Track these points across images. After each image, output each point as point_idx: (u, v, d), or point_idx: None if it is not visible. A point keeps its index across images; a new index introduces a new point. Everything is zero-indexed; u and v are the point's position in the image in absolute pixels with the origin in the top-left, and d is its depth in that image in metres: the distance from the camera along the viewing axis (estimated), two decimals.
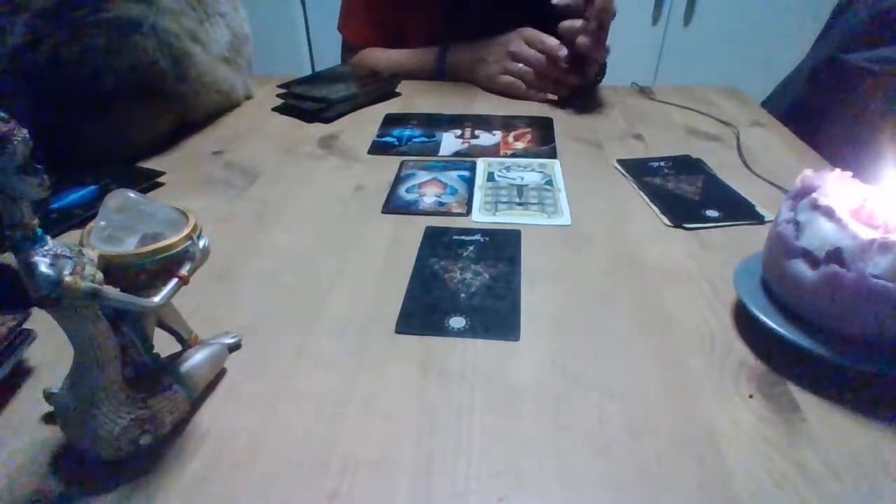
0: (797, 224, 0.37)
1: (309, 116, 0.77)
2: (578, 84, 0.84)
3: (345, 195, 0.58)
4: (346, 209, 0.55)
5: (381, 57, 0.98)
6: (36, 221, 0.24)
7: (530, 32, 0.84)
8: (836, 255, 0.34)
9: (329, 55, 1.60)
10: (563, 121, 0.77)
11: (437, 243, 0.49)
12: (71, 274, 0.24)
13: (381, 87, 0.85)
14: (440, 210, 0.55)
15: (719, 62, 1.87)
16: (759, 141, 0.71)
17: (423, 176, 0.62)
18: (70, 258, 0.24)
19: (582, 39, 0.77)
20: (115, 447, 0.28)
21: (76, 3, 0.59)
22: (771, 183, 0.59)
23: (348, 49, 1.05)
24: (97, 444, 0.28)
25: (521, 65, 0.84)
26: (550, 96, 0.85)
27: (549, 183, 0.60)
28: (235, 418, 0.33)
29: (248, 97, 0.85)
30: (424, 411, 0.33)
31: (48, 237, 0.24)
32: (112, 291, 0.25)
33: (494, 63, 0.87)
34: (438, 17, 0.94)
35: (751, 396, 0.34)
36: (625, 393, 0.34)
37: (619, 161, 0.64)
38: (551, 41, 0.82)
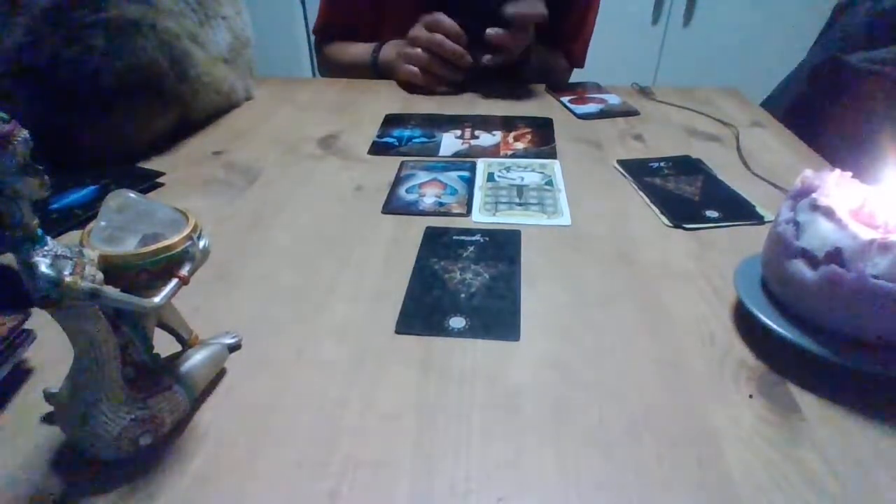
0: (797, 224, 0.37)
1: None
2: (466, 67, 0.83)
3: (345, 195, 0.58)
4: (346, 209, 0.55)
5: (341, 53, 0.99)
6: (36, 221, 0.24)
7: (431, 17, 0.82)
8: (835, 256, 0.34)
9: None
10: (562, 121, 0.77)
11: (437, 243, 0.49)
12: (71, 274, 0.24)
13: None
14: (440, 210, 0.55)
15: (719, 62, 1.87)
16: (759, 141, 0.71)
17: (423, 176, 0.62)
18: (70, 258, 0.24)
19: (491, 31, 0.78)
20: (115, 447, 0.28)
21: (76, 3, 0.59)
22: (771, 183, 0.59)
23: (318, 51, 1.06)
24: (97, 444, 0.28)
25: (418, 50, 0.83)
26: (443, 88, 0.84)
27: (549, 183, 0.60)
28: (235, 418, 0.33)
29: (249, 98, 0.85)
30: (424, 411, 0.33)
31: (48, 237, 0.24)
32: (112, 291, 0.25)
33: (398, 55, 0.85)
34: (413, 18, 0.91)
35: (751, 396, 0.34)
36: (625, 393, 0.34)
37: (619, 161, 0.64)
38: (449, 22, 0.80)
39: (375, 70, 0.92)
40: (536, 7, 0.80)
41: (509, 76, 0.90)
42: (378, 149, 0.69)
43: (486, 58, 0.82)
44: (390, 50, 0.89)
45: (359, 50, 0.95)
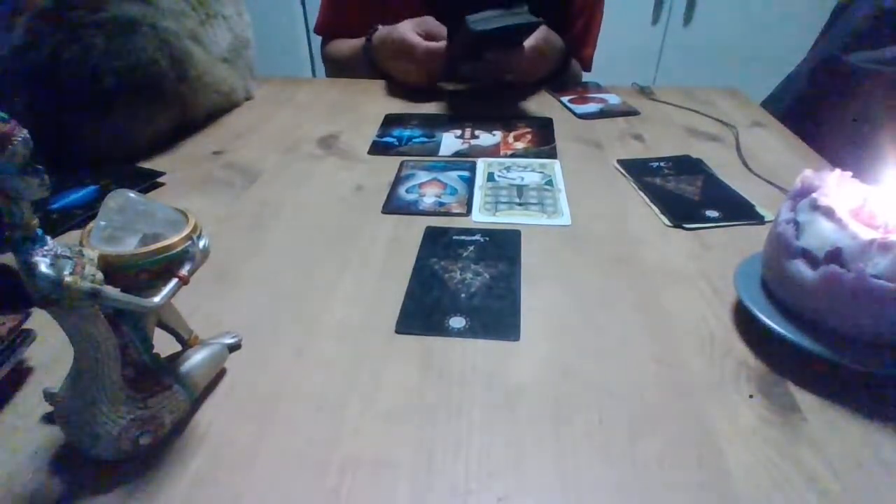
0: (797, 224, 0.37)
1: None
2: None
3: (345, 195, 0.58)
4: (346, 209, 0.55)
5: (341, 46, 0.99)
6: (36, 221, 0.24)
7: (421, 20, 0.83)
8: (836, 255, 0.34)
9: None
10: (563, 121, 0.77)
11: (437, 243, 0.49)
12: (71, 274, 0.24)
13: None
14: (440, 210, 0.55)
15: (719, 62, 1.87)
16: (759, 141, 0.71)
17: (423, 176, 0.62)
18: (70, 258, 0.24)
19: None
20: (115, 447, 0.28)
21: (76, 3, 0.59)
22: (771, 183, 0.59)
23: (322, 51, 1.06)
24: (97, 444, 0.28)
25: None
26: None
27: (549, 183, 0.60)
28: (235, 418, 0.33)
29: (249, 98, 0.85)
30: (424, 411, 0.33)
31: (48, 237, 0.24)
32: (112, 291, 0.25)
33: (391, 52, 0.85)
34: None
35: (751, 396, 0.34)
36: (625, 393, 0.34)
37: (619, 161, 0.64)
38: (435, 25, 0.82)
39: (370, 62, 0.91)
40: (514, 57, 0.82)
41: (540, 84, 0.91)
42: (378, 149, 0.69)
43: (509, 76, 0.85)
44: (380, 44, 0.88)
45: (354, 43, 0.95)
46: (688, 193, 0.58)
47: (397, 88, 0.88)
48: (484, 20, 0.71)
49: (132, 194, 0.30)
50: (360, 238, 0.50)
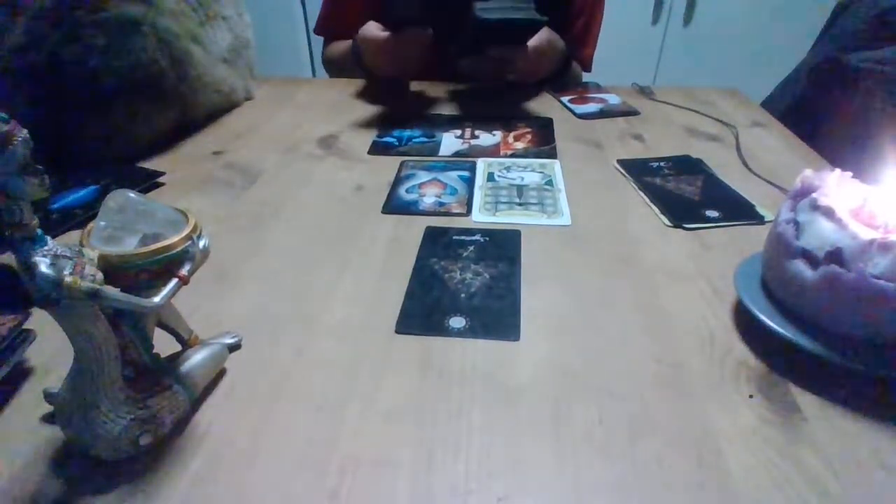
0: (797, 224, 0.37)
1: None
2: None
3: (345, 195, 0.58)
4: (346, 209, 0.55)
5: (338, 49, 0.99)
6: (36, 221, 0.24)
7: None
8: (836, 255, 0.34)
9: None
10: (563, 121, 0.77)
11: (437, 243, 0.49)
12: (71, 274, 0.24)
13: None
14: (440, 210, 0.55)
15: (719, 62, 1.86)
16: (759, 141, 0.71)
17: (423, 176, 0.62)
18: (70, 258, 0.24)
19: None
20: (115, 447, 0.28)
21: (76, 3, 0.59)
22: (771, 183, 0.59)
23: (323, 54, 1.06)
24: (97, 444, 0.28)
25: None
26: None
27: (549, 183, 0.60)
28: (235, 418, 0.33)
29: (249, 98, 0.85)
30: (424, 411, 0.33)
31: (48, 237, 0.24)
32: (112, 291, 0.25)
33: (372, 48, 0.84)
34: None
35: (751, 396, 0.34)
36: (625, 393, 0.34)
37: (619, 161, 0.64)
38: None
39: (361, 65, 0.89)
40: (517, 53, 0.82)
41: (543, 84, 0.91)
42: (378, 149, 0.69)
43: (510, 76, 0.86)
44: (363, 40, 0.87)
45: (349, 46, 0.95)
46: (688, 193, 0.58)
47: (397, 88, 0.88)
48: (490, 10, 0.71)
49: (132, 194, 0.30)
50: (360, 238, 0.50)
